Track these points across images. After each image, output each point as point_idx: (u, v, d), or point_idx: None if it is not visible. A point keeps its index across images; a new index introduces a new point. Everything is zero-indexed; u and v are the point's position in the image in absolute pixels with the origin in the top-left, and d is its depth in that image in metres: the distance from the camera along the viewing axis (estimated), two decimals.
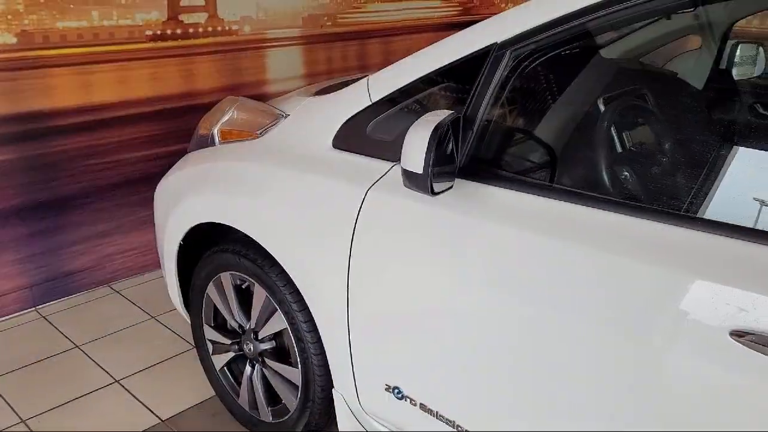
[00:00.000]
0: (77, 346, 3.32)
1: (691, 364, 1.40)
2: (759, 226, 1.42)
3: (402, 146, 1.69)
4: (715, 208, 1.84)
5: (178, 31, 3.93)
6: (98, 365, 3.17)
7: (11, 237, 3.54)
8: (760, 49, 2.78)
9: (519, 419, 1.77)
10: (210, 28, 4.04)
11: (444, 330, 1.87)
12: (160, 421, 2.77)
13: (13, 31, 3.59)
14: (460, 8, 5.64)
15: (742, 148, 2.10)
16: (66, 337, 3.40)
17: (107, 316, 3.59)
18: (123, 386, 3.01)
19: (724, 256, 1.39)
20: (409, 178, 1.69)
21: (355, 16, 4.86)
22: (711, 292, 1.37)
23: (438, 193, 1.68)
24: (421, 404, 1.98)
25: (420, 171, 1.64)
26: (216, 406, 2.84)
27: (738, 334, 1.32)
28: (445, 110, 1.74)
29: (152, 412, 2.84)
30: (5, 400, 2.91)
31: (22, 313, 3.65)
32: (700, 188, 1.93)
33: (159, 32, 3.90)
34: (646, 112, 2.29)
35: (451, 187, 1.74)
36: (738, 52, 2.73)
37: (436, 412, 1.94)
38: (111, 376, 3.07)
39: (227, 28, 4.12)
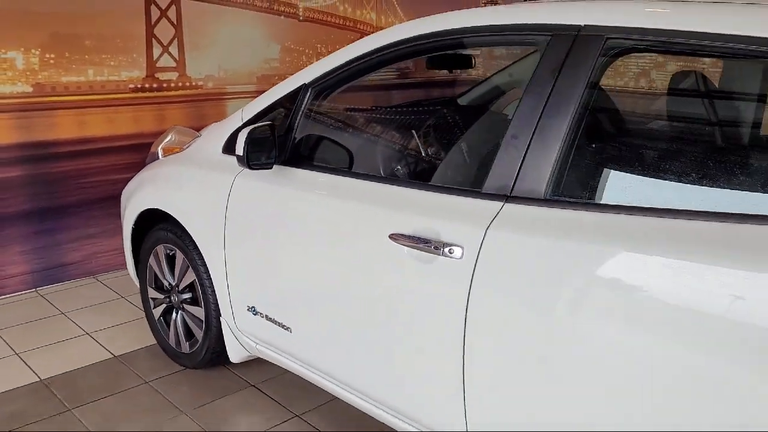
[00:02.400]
0: (63, 313, 4.20)
1: None
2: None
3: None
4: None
5: (154, 85, 4.90)
6: (76, 324, 4.03)
7: (19, 234, 4.44)
8: None
9: (323, 319, 2.64)
10: (180, 84, 5.00)
11: (276, 265, 2.77)
12: (113, 356, 3.65)
13: (29, 83, 4.54)
14: (398, 73, 6.62)
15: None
16: (56, 307, 4.28)
17: (88, 296, 4.46)
18: (91, 336, 3.88)
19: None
20: (239, 159, 2.62)
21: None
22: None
23: (255, 169, 2.62)
24: (266, 316, 2.86)
25: (242, 154, 2.58)
26: (154, 349, 3.68)
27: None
28: (265, 122, 2.69)
29: (109, 351, 3.69)
30: (6, 342, 3.80)
31: (24, 292, 4.52)
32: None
33: (139, 86, 4.87)
34: (406, 118, 3.23)
35: (270, 168, 2.66)
36: None
37: (275, 319, 2.83)
38: (84, 330, 3.94)
39: (194, 83, 5.09)
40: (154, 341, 3.72)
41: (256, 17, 5.50)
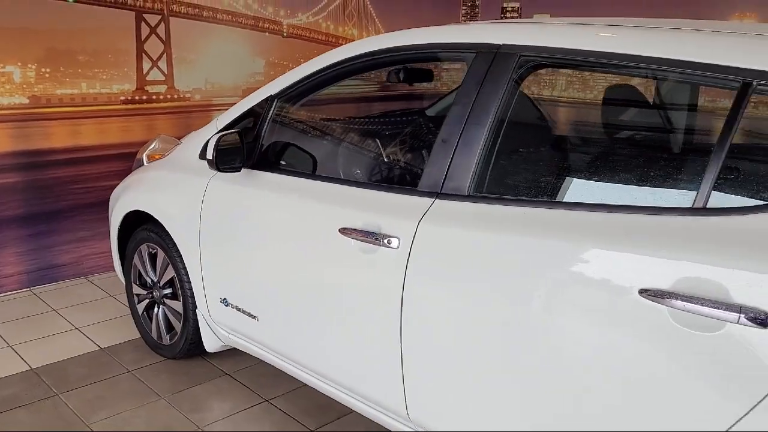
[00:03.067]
0: (54, 310, 4.42)
1: None
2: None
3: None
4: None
5: (144, 97, 5.15)
6: (66, 320, 4.25)
7: (15, 236, 4.66)
8: None
9: (283, 308, 2.86)
10: (168, 96, 5.26)
11: (244, 259, 3.00)
12: (99, 348, 3.87)
13: (26, 95, 4.79)
14: (378, 86, 6.84)
15: None
16: (48, 305, 4.49)
17: (79, 295, 4.68)
18: (80, 331, 4.10)
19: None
20: (209, 163, 2.85)
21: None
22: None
23: (224, 171, 2.86)
24: (236, 306, 3.08)
25: (211, 158, 2.82)
26: (138, 342, 3.89)
27: None
28: (233, 129, 2.93)
29: (96, 344, 3.91)
30: (0, 336, 4.01)
31: (19, 291, 4.72)
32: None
33: (130, 98, 5.13)
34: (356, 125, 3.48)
35: (238, 171, 2.90)
36: None
37: (244, 309, 3.05)
38: (73, 325, 4.16)
39: (182, 95, 5.35)
40: (138, 335, 3.93)
41: (242, 34, 5.77)
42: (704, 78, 1.86)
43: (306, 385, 3.17)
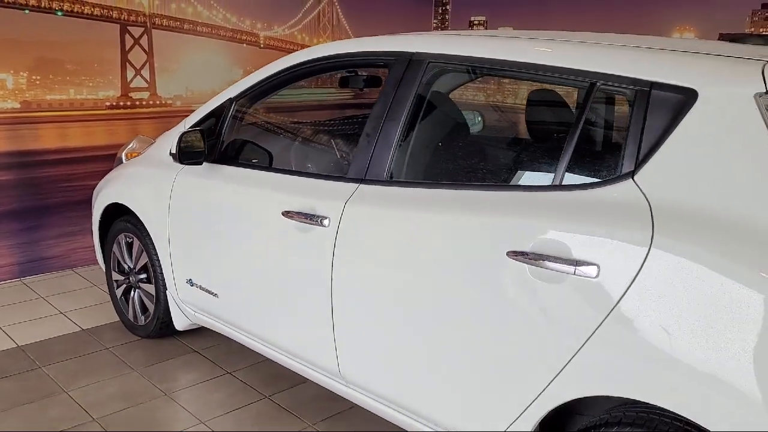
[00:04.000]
0: (43, 297, 4.72)
1: None
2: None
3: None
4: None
5: (128, 103, 5.51)
6: (53, 306, 4.55)
7: (7, 230, 4.97)
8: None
9: (237, 284, 3.19)
10: (151, 102, 5.61)
11: (205, 243, 3.32)
12: (81, 329, 4.18)
13: (18, 100, 5.20)
14: (352, 94, 7.18)
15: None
16: (37, 293, 4.80)
17: (65, 284, 4.97)
18: (65, 315, 4.40)
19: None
20: (173, 157, 3.19)
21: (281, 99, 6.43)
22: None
23: (186, 164, 3.19)
24: (200, 286, 3.40)
25: (175, 152, 3.15)
26: (117, 324, 4.20)
27: None
28: (195, 128, 3.26)
29: (78, 326, 4.22)
30: None
31: (11, 281, 5.02)
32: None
33: (115, 103, 5.51)
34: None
35: (200, 164, 3.23)
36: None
37: (206, 288, 3.37)
38: (59, 310, 4.46)
39: (164, 102, 5.72)
40: (116, 318, 4.24)
41: (221, 45, 6.14)
42: (563, 79, 2.21)
43: (265, 360, 3.51)
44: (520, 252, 2.01)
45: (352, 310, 2.58)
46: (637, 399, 1.82)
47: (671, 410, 1.76)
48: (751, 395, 1.61)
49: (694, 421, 1.72)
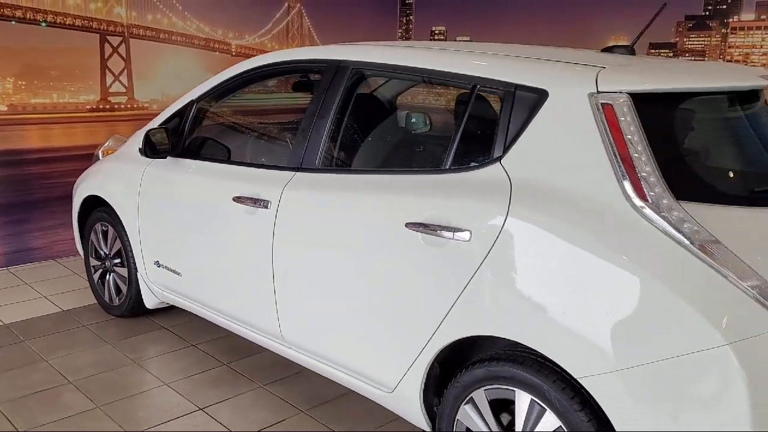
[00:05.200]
0: (27, 284, 5.04)
1: None
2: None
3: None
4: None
5: (108, 106, 5.88)
6: (36, 291, 4.89)
7: None
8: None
9: (195, 263, 3.57)
10: (129, 105, 5.98)
11: (169, 227, 3.69)
12: (62, 310, 4.53)
13: (5, 104, 5.51)
14: (298, 97, 7.56)
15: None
16: (22, 280, 5.13)
17: (49, 273, 5.30)
18: (47, 298, 4.75)
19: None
20: (140, 152, 3.58)
21: (238, 101, 6.82)
22: None
23: (152, 158, 3.58)
24: (166, 266, 3.78)
25: (141, 147, 3.54)
26: (94, 306, 4.54)
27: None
28: (161, 126, 3.65)
29: (59, 307, 4.56)
30: None
31: None
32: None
33: (95, 107, 5.87)
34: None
35: (164, 158, 3.61)
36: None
37: (171, 268, 3.75)
38: (42, 294, 4.80)
39: (141, 105, 6.09)
40: (94, 301, 4.59)
41: (195, 53, 6.53)
42: (452, 82, 2.65)
43: (227, 334, 3.90)
44: (414, 223, 2.43)
45: (289, 279, 2.97)
46: (505, 337, 2.23)
47: (530, 347, 2.17)
48: (590, 336, 2.02)
49: (549, 356, 2.13)
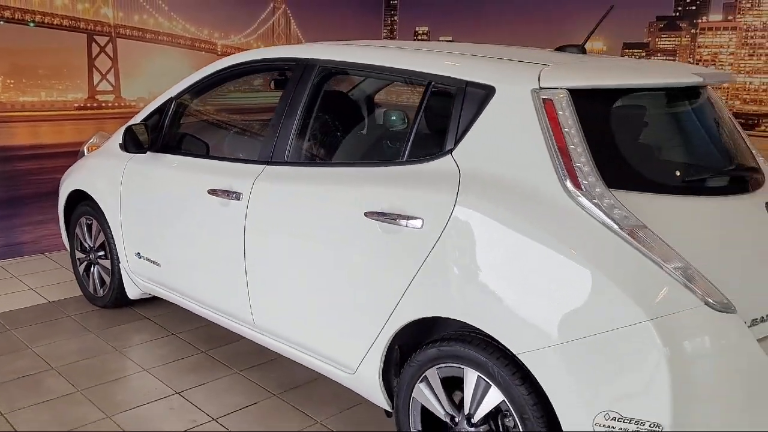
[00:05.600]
0: (15, 277, 5.16)
1: None
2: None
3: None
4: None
5: (95, 104, 5.98)
6: (24, 283, 5.00)
7: None
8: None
9: (172, 253, 3.72)
10: (116, 104, 6.10)
11: (149, 219, 3.83)
12: (48, 301, 4.66)
13: None
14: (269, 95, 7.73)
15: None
16: (10, 273, 5.23)
17: (36, 266, 5.41)
18: (34, 290, 4.86)
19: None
20: (120, 147, 3.72)
21: (224, 100, 6.96)
22: None
23: (131, 153, 3.72)
24: (146, 257, 3.91)
25: (121, 143, 3.67)
26: (80, 298, 4.66)
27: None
28: (141, 122, 3.78)
29: (46, 299, 4.70)
30: None
31: None
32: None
33: (82, 104, 5.95)
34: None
35: (144, 153, 3.75)
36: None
37: (151, 259, 3.88)
38: (29, 287, 4.92)
39: (128, 103, 6.19)
40: (80, 293, 4.72)
41: (181, 52, 6.63)
42: (409, 79, 2.81)
43: (207, 324, 4.03)
44: (373, 212, 2.58)
45: (260, 267, 3.13)
46: (453, 318, 2.38)
47: (477, 326, 2.32)
48: (528, 316, 2.17)
49: (492, 335, 2.28)
